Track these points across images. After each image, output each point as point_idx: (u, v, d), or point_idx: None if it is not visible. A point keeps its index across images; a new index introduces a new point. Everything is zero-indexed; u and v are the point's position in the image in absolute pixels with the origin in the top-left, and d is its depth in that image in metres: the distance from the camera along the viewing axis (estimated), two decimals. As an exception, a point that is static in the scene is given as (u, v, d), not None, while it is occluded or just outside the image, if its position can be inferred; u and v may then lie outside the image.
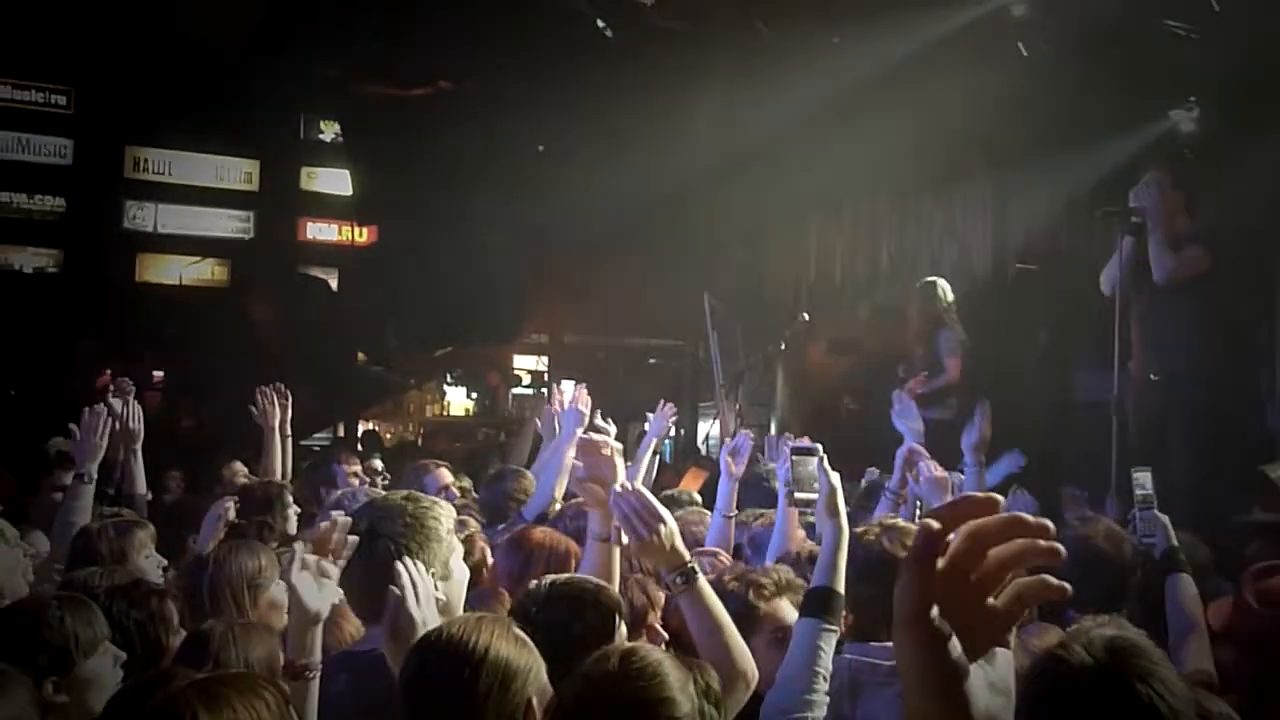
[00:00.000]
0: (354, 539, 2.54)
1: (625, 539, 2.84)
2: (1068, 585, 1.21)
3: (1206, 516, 5.47)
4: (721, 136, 9.26)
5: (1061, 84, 8.28)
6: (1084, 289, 7.08)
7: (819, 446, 3.31)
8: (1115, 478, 5.91)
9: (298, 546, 2.52)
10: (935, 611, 1.16)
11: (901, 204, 9.71)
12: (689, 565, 2.72)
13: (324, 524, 2.55)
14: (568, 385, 9.72)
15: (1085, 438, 6.92)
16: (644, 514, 2.72)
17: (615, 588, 2.88)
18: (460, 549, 2.76)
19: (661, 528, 2.71)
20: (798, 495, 3.26)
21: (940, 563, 1.17)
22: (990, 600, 1.19)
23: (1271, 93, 7.99)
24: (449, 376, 13.55)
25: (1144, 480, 4.36)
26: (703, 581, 2.72)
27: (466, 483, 5.89)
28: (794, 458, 3.29)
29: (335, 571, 2.49)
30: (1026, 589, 1.21)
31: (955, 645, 1.17)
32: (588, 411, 4.94)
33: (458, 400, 13.87)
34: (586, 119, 9.67)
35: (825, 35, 8.54)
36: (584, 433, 4.35)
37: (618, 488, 2.82)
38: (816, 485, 3.18)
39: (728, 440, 4.83)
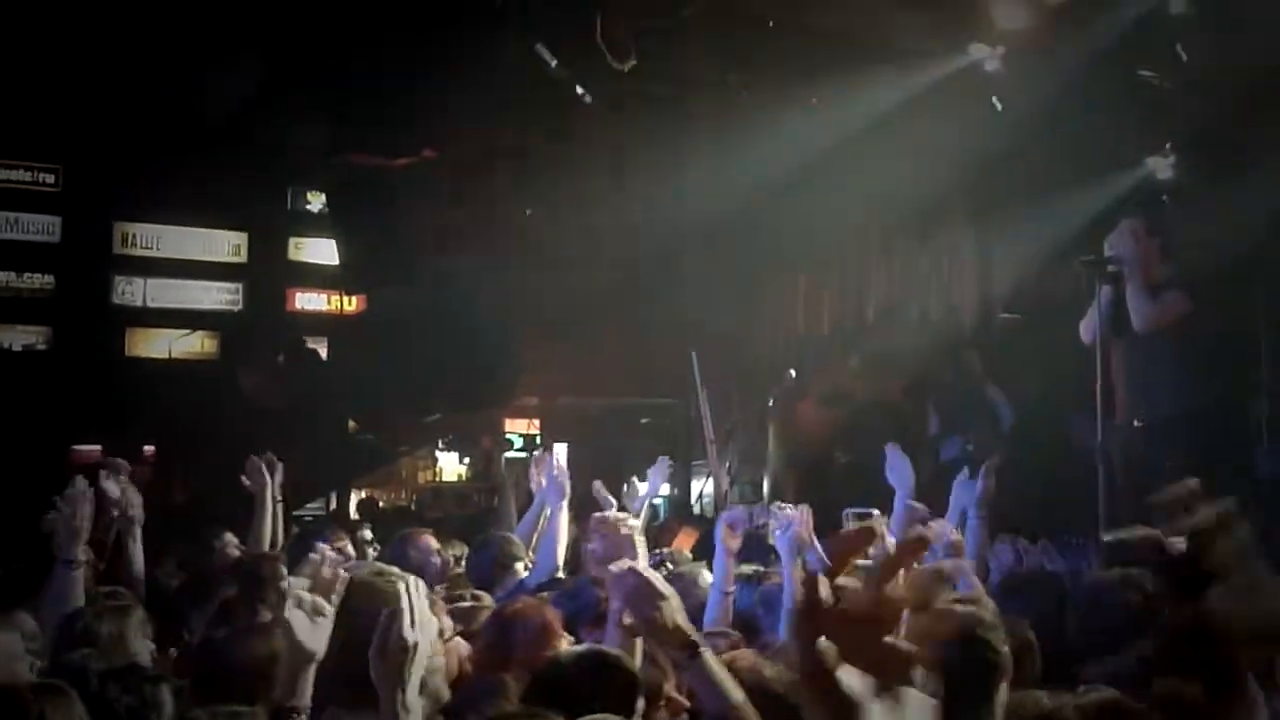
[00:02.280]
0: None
1: (628, 619, 2.88)
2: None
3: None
4: (706, 196, 9.45)
5: (1038, 135, 8.51)
6: (1070, 338, 7.13)
7: (874, 512, 3.22)
8: (1101, 527, 5.92)
9: (293, 581, 2.54)
10: (831, 659, 1.20)
11: (887, 256, 9.91)
12: (692, 640, 2.74)
13: (314, 557, 2.55)
14: (560, 449, 9.88)
15: (1078, 487, 6.80)
16: (645, 593, 2.75)
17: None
18: (434, 622, 2.70)
19: (663, 605, 2.74)
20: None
21: (830, 607, 1.21)
22: (889, 639, 1.22)
23: (1244, 137, 8.35)
24: (440, 442, 13.64)
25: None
26: (709, 656, 2.73)
27: (460, 549, 5.96)
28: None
29: (330, 610, 2.49)
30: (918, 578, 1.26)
31: (854, 690, 1.20)
32: (568, 484, 5.03)
33: (450, 466, 13.96)
34: (573, 181, 9.85)
35: (803, 95, 8.81)
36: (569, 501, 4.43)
37: (615, 568, 2.87)
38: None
39: (723, 512, 4.93)
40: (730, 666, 2.87)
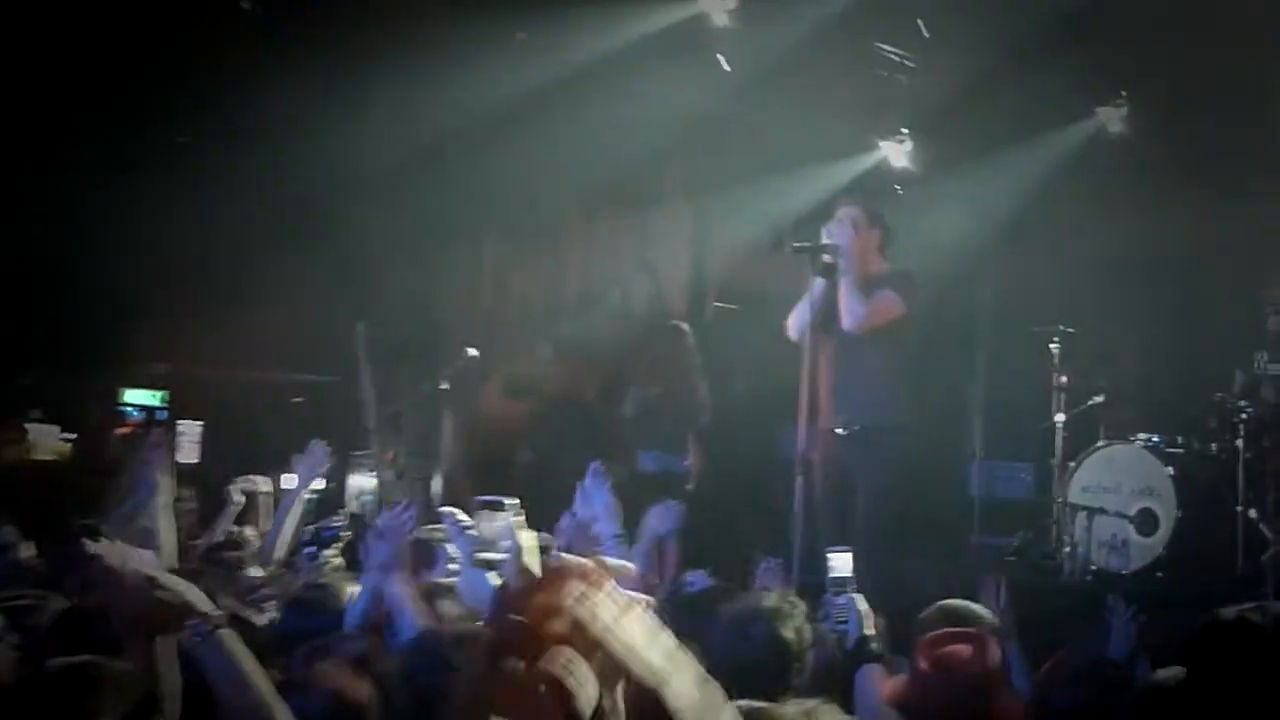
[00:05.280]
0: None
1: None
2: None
3: (891, 587, 5.96)
4: (388, 138, 9.55)
5: (767, 105, 9.02)
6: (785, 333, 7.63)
7: (505, 500, 3.64)
8: (799, 544, 6.46)
9: None
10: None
11: (588, 228, 10.24)
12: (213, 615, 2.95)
13: None
14: (190, 426, 9.76)
15: (783, 499, 7.46)
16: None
17: None
18: None
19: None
20: (481, 556, 3.51)
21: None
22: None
23: (984, 125, 9.14)
24: (33, 412, 13.19)
25: (840, 563, 4.75)
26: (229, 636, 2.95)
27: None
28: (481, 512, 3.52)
29: None
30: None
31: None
32: None
33: (48, 441, 13.51)
34: (231, 106, 9.74)
35: (509, 29, 9.03)
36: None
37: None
38: (504, 544, 3.37)
39: (380, 515, 4.88)
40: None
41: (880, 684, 4.07)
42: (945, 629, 3.93)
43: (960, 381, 9.80)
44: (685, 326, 8.89)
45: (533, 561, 3.31)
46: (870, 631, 4.36)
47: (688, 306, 10.20)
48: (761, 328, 8.25)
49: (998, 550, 9.27)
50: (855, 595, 4.54)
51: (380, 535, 4.50)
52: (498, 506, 3.64)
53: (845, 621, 4.44)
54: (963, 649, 3.75)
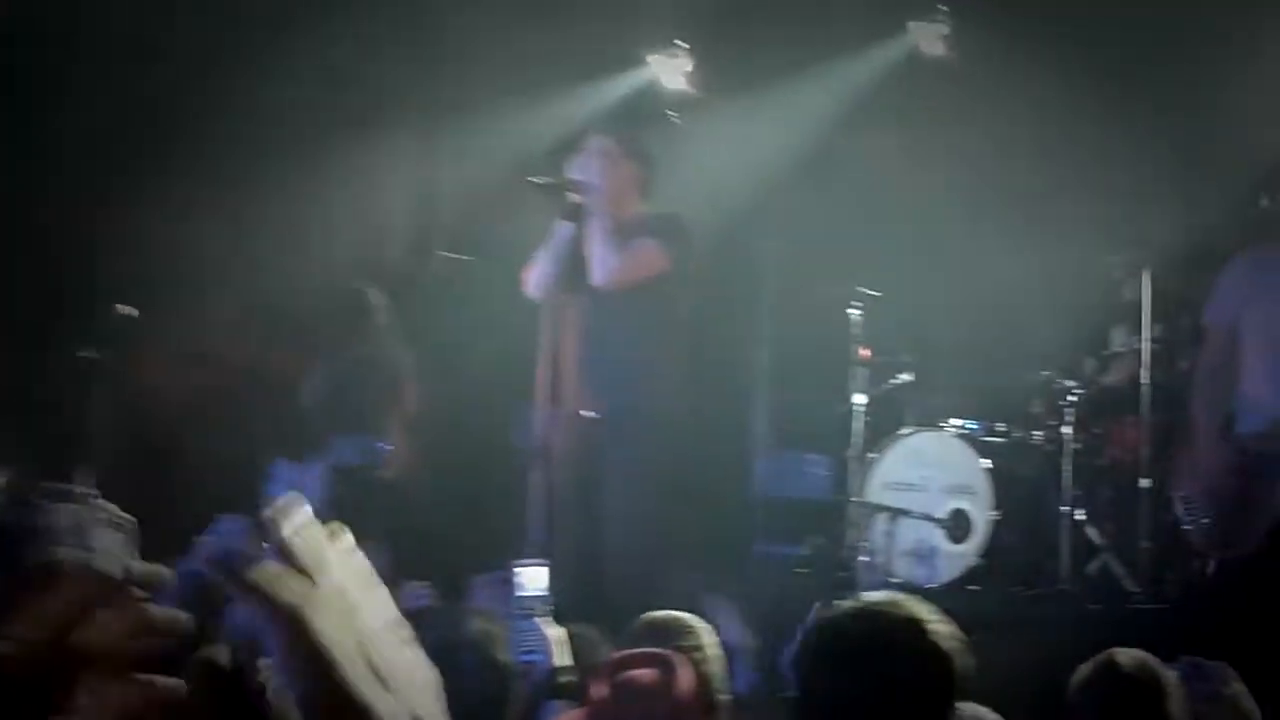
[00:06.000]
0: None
1: None
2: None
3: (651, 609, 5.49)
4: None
5: (510, 10, 8.52)
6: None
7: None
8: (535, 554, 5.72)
9: None
10: None
11: (279, 163, 9.21)
12: None
13: None
14: None
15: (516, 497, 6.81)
16: None
17: None
18: None
19: None
20: None
21: None
22: None
23: (776, 43, 8.80)
24: None
25: (529, 578, 4.64)
26: None
27: None
28: None
29: None
30: None
31: None
32: None
33: None
34: None
35: None
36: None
37: None
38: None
39: None
40: None
41: None
42: (636, 650, 3.82)
43: (741, 355, 9.48)
44: (369, 288, 8.51)
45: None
46: (564, 662, 4.32)
47: (409, 257, 9.62)
48: (500, 284, 7.67)
49: (786, 560, 8.91)
50: (545, 619, 4.48)
51: None
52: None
53: (533, 651, 4.37)
54: (645, 674, 3.62)
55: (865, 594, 2.75)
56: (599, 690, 3.70)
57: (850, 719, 2.63)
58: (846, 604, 2.72)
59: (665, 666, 3.66)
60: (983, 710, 3.46)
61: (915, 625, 2.58)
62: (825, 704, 2.68)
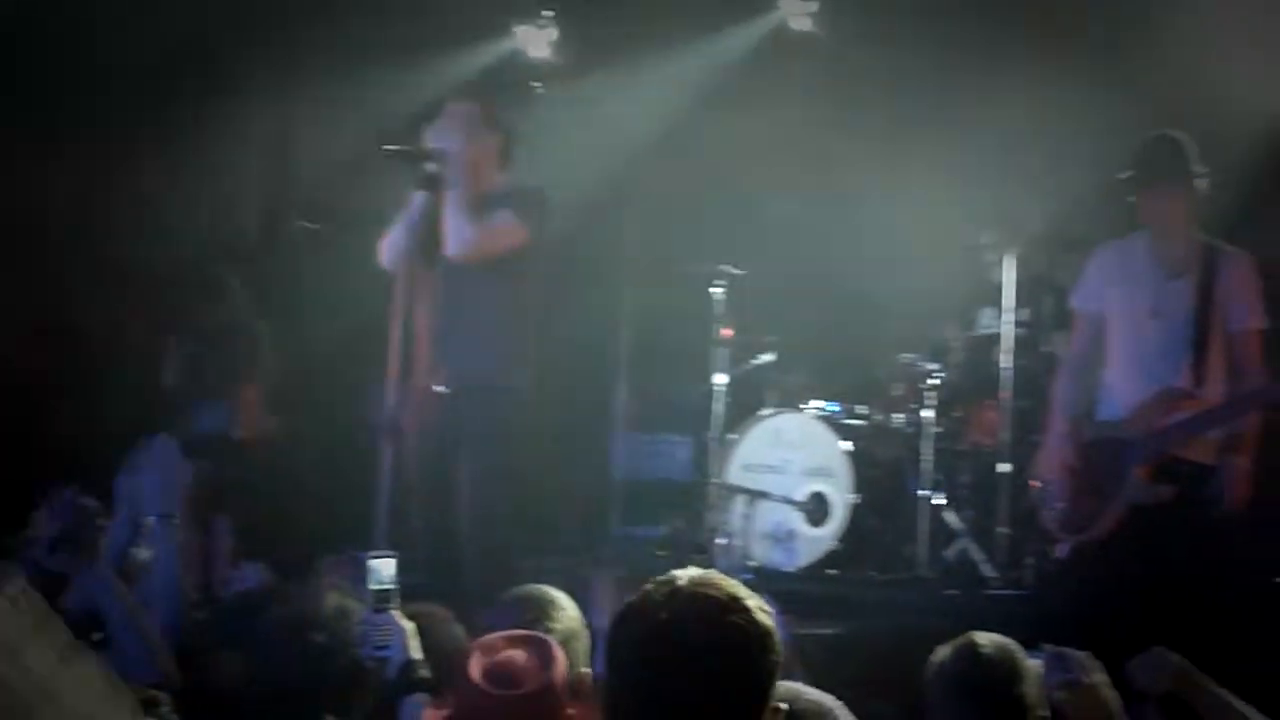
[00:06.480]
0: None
1: None
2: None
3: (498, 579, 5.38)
4: None
5: None
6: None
7: None
8: (377, 534, 5.61)
9: None
10: None
11: (132, 129, 8.90)
12: None
13: None
14: None
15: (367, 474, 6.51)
16: None
17: None
18: None
19: None
20: None
21: None
22: None
23: (647, 15, 8.73)
24: None
25: (381, 570, 4.39)
26: None
27: None
28: None
29: None
30: None
31: None
32: None
33: None
34: None
35: None
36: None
37: None
38: None
39: None
40: None
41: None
42: (506, 633, 3.69)
43: (601, 332, 9.48)
44: (223, 256, 8.37)
45: None
46: (417, 655, 4.13)
47: (264, 225, 9.36)
48: (355, 254, 7.28)
49: (645, 542, 8.88)
50: (397, 611, 4.24)
51: None
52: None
53: (386, 646, 4.18)
54: (519, 657, 3.52)
55: (674, 572, 2.56)
56: (472, 674, 3.54)
57: (662, 706, 2.47)
58: (651, 585, 2.56)
59: (540, 648, 3.57)
60: (825, 698, 3.37)
61: (727, 603, 2.46)
62: (638, 691, 2.51)
